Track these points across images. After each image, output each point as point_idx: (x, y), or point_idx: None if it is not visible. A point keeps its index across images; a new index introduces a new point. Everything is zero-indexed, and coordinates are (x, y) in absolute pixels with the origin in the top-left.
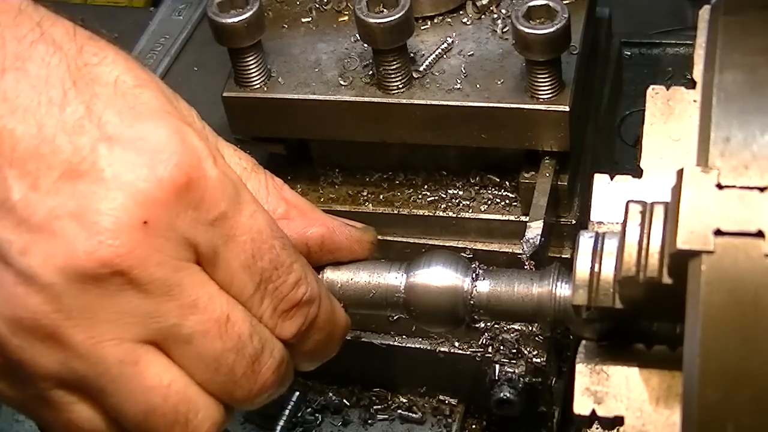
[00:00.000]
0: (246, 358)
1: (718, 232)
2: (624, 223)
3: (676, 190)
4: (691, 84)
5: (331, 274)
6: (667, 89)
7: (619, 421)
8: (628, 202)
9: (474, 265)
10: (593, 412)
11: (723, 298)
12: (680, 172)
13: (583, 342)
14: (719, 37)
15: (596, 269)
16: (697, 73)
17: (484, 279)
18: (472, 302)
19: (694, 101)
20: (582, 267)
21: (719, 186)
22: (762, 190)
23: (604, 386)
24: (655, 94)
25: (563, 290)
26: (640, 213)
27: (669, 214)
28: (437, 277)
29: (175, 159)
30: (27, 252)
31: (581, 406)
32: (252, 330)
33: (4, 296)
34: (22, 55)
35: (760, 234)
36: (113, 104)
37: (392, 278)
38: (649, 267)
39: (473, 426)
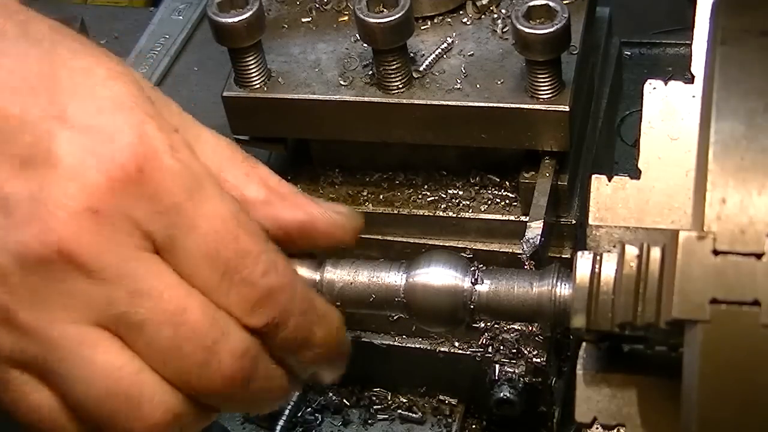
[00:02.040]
0: (202, 349)
1: (714, 301)
2: (620, 269)
3: (671, 255)
4: (690, 79)
5: (330, 275)
6: (665, 84)
7: (620, 427)
8: (623, 244)
9: (473, 265)
10: (594, 419)
11: (720, 370)
12: (675, 236)
13: (584, 346)
14: (716, 76)
15: (594, 293)
16: (696, 67)
17: (483, 279)
18: (471, 302)
19: (693, 97)
20: (580, 290)
21: (715, 252)
22: (758, 257)
23: (605, 394)
24: (652, 90)
25: (563, 290)
26: (636, 257)
27: (664, 278)
28: (437, 277)
29: (128, 150)
30: None
31: (583, 414)
32: (212, 321)
33: None
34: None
35: (756, 303)
36: (79, 96)
37: (392, 278)
38: (646, 313)
39: (473, 426)
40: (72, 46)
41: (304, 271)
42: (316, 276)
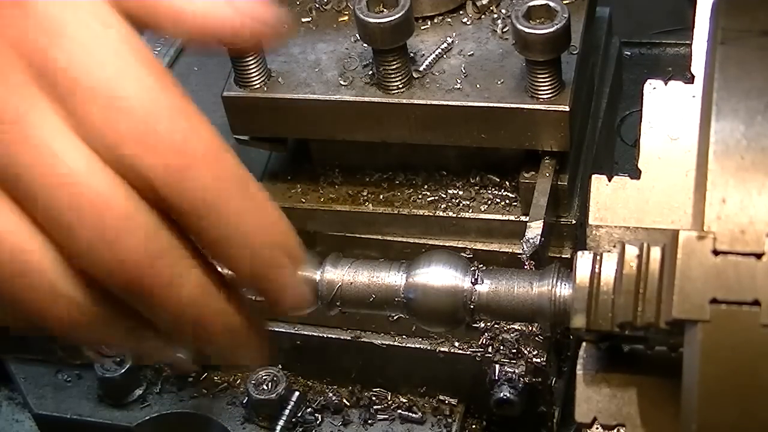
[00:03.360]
0: (103, 223)
1: (714, 301)
2: (620, 269)
3: (671, 255)
4: (690, 79)
5: (330, 275)
6: (665, 84)
7: (620, 427)
8: (624, 244)
9: (474, 265)
10: (594, 419)
11: (720, 370)
12: (675, 236)
13: (584, 346)
14: (716, 76)
15: (594, 293)
16: (696, 67)
17: (483, 279)
18: (471, 302)
19: (693, 97)
20: (580, 290)
21: (715, 252)
22: (758, 257)
23: (605, 394)
24: (652, 90)
25: (563, 290)
26: (636, 257)
27: (664, 278)
28: (437, 277)
29: None
30: None
31: (583, 414)
32: (114, 194)
33: None
34: None
35: (756, 303)
36: None
37: (392, 278)
38: (646, 313)
39: (473, 426)
40: None
41: (304, 271)
42: (316, 276)
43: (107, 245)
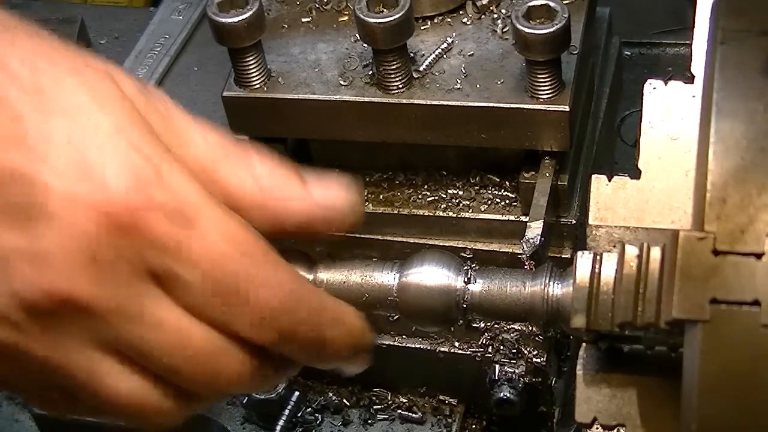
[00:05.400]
0: (208, 368)
1: (714, 301)
2: (620, 269)
3: (671, 255)
4: (690, 79)
5: (323, 275)
6: (665, 84)
7: (620, 427)
8: (624, 244)
9: (466, 265)
10: (594, 419)
11: (719, 369)
12: (675, 236)
13: (584, 346)
14: (716, 76)
15: (594, 293)
16: (696, 67)
17: (476, 278)
18: (464, 302)
19: (693, 97)
20: (580, 290)
21: (715, 252)
22: (758, 256)
23: (605, 394)
24: (652, 90)
25: (556, 290)
26: (636, 257)
27: (664, 278)
28: (429, 276)
29: (119, 197)
30: None
31: (583, 414)
32: (214, 344)
33: None
34: None
35: (756, 303)
36: (64, 137)
37: (385, 278)
38: (646, 313)
39: (473, 426)
40: (30, 57)
41: (298, 271)
42: (310, 276)
43: (210, 378)
